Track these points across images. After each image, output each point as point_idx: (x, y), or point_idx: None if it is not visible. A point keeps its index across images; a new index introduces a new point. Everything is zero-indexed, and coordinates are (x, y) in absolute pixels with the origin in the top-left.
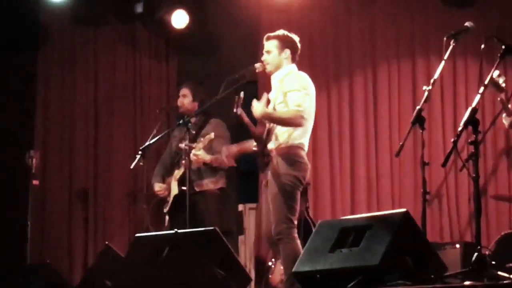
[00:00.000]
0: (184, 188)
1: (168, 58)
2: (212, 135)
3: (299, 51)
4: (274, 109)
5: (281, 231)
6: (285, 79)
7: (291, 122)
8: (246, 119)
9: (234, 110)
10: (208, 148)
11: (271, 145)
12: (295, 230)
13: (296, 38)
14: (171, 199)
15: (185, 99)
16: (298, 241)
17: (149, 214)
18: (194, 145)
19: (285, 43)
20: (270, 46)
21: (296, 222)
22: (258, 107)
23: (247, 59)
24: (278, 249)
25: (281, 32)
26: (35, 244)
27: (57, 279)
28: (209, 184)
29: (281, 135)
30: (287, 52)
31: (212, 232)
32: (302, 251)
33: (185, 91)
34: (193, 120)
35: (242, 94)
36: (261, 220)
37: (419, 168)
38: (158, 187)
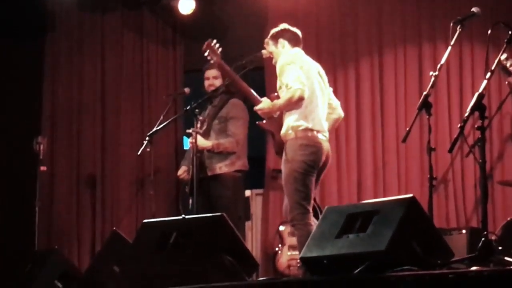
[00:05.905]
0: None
1: (175, 44)
2: (205, 122)
3: (296, 34)
4: (279, 96)
5: (294, 217)
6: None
7: (292, 100)
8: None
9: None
10: (222, 130)
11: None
12: (309, 216)
13: (282, 26)
14: (189, 183)
15: (216, 81)
16: (312, 227)
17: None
18: (199, 130)
19: (275, 37)
20: (270, 48)
21: (310, 208)
22: (265, 103)
23: (254, 45)
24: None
25: (270, 33)
26: (43, 230)
27: (65, 265)
28: (222, 167)
29: (285, 122)
30: (282, 41)
31: (219, 218)
32: None
33: (215, 72)
34: (216, 101)
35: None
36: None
37: (425, 153)
38: (180, 170)
